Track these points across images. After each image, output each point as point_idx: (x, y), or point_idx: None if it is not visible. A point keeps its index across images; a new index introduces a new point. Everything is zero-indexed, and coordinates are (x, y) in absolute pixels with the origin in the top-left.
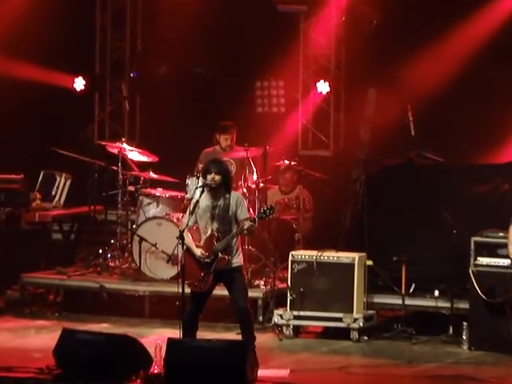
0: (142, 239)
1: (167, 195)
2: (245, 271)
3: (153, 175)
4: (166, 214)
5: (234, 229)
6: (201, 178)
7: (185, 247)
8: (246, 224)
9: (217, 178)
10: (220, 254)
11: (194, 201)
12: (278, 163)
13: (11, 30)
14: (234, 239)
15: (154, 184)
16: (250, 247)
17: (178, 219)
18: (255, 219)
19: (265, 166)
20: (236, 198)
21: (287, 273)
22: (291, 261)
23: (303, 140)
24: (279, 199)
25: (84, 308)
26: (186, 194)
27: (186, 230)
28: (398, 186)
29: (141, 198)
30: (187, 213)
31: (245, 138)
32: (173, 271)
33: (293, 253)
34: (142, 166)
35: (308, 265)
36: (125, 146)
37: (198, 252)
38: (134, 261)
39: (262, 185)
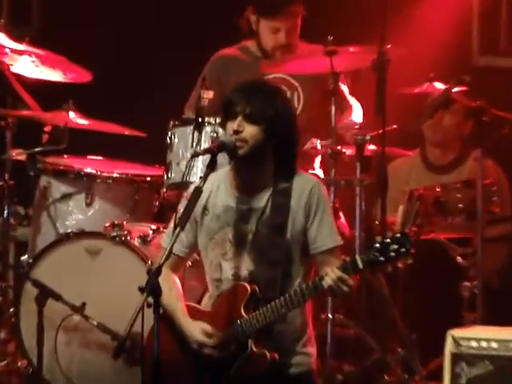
0: (45, 293)
1: (116, 175)
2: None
3: (78, 121)
4: (113, 226)
5: (298, 277)
6: (206, 129)
7: (161, 313)
8: (331, 276)
9: (251, 130)
10: (252, 345)
11: (189, 191)
12: (416, 89)
13: None
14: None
15: (82, 144)
16: (337, 315)
17: (145, 240)
18: (357, 264)
19: (381, 94)
20: (308, 190)
21: None
22: (453, 355)
23: (483, 33)
24: (419, 187)
25: None
26: (168, 172)
27: (165, 270)
28: None
29: (45, 179)
30: (171, 223)
31: (326, 25)
32: (127, 378)
33: (457, 334)
34: (50, 97)
35: (498, 365)
36: (4, 41)
37: (196, 331)
38: (23, 352)
39: (372, 147)
